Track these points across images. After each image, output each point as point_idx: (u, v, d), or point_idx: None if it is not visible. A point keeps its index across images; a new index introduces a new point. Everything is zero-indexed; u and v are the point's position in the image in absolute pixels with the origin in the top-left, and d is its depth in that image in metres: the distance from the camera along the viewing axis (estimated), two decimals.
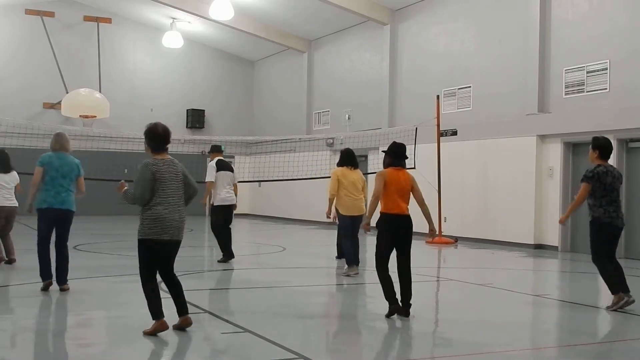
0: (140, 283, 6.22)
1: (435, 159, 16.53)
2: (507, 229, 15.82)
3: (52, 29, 24.36)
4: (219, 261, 11.57)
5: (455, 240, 16.42)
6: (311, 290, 9.35)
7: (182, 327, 6.27)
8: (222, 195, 11.62)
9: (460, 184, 17.06)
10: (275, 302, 8.14)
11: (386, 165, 7.48)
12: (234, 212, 12.17)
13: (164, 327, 6.11)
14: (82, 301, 7.97)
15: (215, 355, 5.85)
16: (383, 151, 7.66)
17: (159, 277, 6.33)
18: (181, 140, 23.99)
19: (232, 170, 11.97)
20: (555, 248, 14.72)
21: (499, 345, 6.11)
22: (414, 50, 19.50)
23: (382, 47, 20.52)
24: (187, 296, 8.54)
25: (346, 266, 10.33)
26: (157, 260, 6.21)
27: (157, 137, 6.25)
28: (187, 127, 26.71)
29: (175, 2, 22.56)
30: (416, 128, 17.09)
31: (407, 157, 7.57)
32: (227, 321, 6.75)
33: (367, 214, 7.47)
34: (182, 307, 6.29)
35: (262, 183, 23.93)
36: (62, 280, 8.25)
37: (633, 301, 7.70)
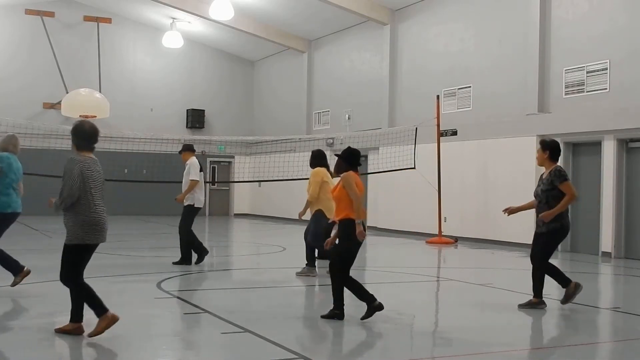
0: (76, 290, 6.01)
1: (435, 159, 16.53)
2: (507, 229, 15.80)
3: (52, 29, 24.37)
4: (195, 263, 11.02)
5: (455, 240, 16.42)
6: (311, 290, 9.35)
7: (78, 333, 6.02)
8: (200, 197, 11.10)
9: (460, 184, 17.05)
10: (275, 302, 8.14)
11: (343, 169, 7.06)
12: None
13: (116, 318, 5.94)
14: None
15: (215, 355, 5.85)
16: (336, 155, 7.35)
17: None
18: (181, 140, 23.97)
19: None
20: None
21: (499, 345, 6.11)
22: (414, 50, 19.50)
23: (382, 47, 20.52)
24: (187, 296, 8.56)
25: (310, 269, 10.05)
26: (85, 263, 6.09)
27: (85, 134, 6.05)
28: (187, 127, 26.71)
29: (175, 2, 22.57)
30: (416, 128, 17.10)
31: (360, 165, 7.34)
32: (227, 321, 6.75)
33: (360, 219, 6.91)
34: (79, 312, 6.05)
35: (262, 183, 23.93)
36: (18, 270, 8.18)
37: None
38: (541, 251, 7.94)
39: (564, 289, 7.89)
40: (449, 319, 7.60)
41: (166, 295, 8.32)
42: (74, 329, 6.00)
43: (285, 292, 8.96)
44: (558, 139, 14.73)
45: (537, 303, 7.82)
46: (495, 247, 15.47)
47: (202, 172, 11.23)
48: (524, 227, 15.37)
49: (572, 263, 13.19)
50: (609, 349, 6.36)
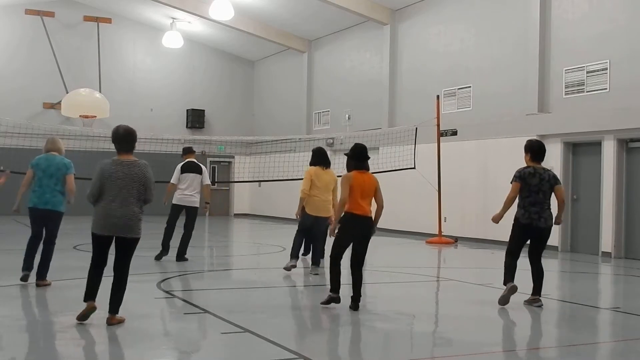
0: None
1: (435, 159, 16.53)
2: (507, 229, 15.72)
3: (52, 29, 24.36)
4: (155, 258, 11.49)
5: (455, 240, 16.42)
6: (311, 290, 9.35)
7: (109, 323, 6.41)
8: (177, 195, 11.56)
9: (460, 184, 17.05)
10: (275, 302, 8.14)
11: (351, 168, 7.70)
12: (198, 214, 11.81)
13: (90, 308, 6.52)
14: (80, 301, 7.96)
15: (215, 355, 5.85)
16: (345, 154, 7.88)
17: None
18: (181, 140, 23.99)
19: (199, 172, 11.59)
20: (555, 248, 14.71)
21: (499, 345, 6.11)
22: (414, 50, 19.50)
23: (382, 47, 20.52)
24: (187, 296, 8.56)
25: (291, 260, 10.30)
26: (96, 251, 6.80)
27: (114, 138, 6.82)
28: (187, 127, 26.71)
29: (175, 2, 22.57)
30: (416, 128, 17.10)
31: (369, 158, 7.80)
32: (227, 321, 6.75)
33: (333, 219, 7.95)
34: (112, 305, 6.53)
35: (262, 183, 23.93)
36: (39, 275, 8.47)
37: (540, 305, 7.86)
38: (508, 242, 8.70)
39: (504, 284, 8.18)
40: (449, 319, 7.61)
41: (166, 295, 8.32)
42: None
43: (285, 292, 8.96)
44: (558, 139, 14.92)
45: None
46: (495, 247, 15.45)
47: (192, 174, 11.49)
48: None
49: (572, 263, 13.19)
50: (609, 349, 6.36)
